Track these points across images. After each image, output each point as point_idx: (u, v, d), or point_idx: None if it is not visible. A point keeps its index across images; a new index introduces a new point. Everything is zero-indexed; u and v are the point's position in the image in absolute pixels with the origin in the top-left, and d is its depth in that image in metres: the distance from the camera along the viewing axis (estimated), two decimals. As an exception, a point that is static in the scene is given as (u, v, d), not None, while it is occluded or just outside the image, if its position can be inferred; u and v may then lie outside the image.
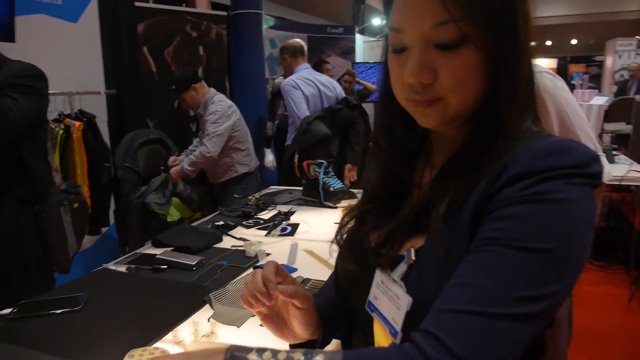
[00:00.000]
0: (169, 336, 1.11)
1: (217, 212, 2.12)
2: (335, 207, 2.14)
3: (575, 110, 1.40)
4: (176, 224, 3.25)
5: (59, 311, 1.18)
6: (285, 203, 2.25)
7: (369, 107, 3.71)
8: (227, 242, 1.75)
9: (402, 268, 0.64)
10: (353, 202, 2.11)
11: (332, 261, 1.51)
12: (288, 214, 2.03)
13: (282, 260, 1.56)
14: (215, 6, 4.57)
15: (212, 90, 3.15)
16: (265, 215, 2.06)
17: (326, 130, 3.02)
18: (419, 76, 0.58)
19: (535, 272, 0.51)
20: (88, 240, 3.15)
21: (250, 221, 1.95)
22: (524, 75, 0.61)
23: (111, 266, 1.53)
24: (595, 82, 10.81)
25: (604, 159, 1.37)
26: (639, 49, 9.60)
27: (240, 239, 1.76)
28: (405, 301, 0.61)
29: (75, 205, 1.97)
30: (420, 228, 0.64)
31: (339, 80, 4.32)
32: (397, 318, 0.63)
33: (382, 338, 0.70)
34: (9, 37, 2.48)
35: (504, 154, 0.57)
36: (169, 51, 3.98)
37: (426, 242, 0.62)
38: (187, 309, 1.22)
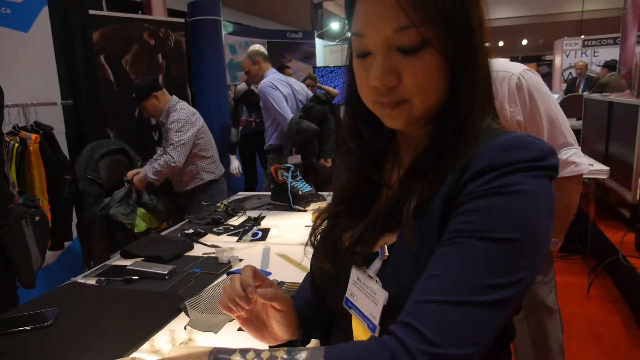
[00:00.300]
0: (145, 346, 1.10)
1: (186, 221, 2.10)
2: (305, 210, 2.16)
3: (557, 106, 1.47)
4: (143, 235, 3.20)
5: (29, 327, 1.15)
6: (255, 208, 2.25)
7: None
8: (198, 250, 1.74)
9: (377, 264, 0.66)
10: (322, 204, 2.14)
11: (305, 264, 1.54)
12: (258, 219, 2.03)
13: (255, 264, 1.56)
14: (172, 13, 4.51)
15: (174, 97, 3.09)
16: (235, 221, 2.06)
17: (315, 126, 3.19)
18: (384, 79, 0.61)
19: (503, 260, 0.54)
20: (51, 255, 3.06)
21: (220, 228, 1.94)
22: (482, 75, 0.64)
23: (80, 279, 1.49)
24: (546, 80, 11.23)
25: (581, 153, 1.44)
26: (584, 48, 10.07)
27: (212, 246, 1.75)
28: (382, 296, 0.63)
29: (37, 218, 1.92)
30: (392, 225, 0.66)
31: (301, 85, 4.37)
32: (375, 312, 0.65)
33: (360, 334, 0.72)
34: (-42, 48, 2.38)
35: (467, 152, 0.60)
36: (127, 59, 3.90)
37: (398, 238, 0.64)
38: (163, 318, 1.21)
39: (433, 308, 0.54)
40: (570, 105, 5.28)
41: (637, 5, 8.15)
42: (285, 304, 0.77)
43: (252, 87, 4.10)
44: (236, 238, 1.84)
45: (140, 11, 4.22)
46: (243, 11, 8.47)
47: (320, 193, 2.26)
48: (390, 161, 0.76)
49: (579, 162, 1.44)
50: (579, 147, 1.47)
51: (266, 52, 3.45)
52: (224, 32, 4.49)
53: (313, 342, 0.90)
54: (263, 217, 2.07)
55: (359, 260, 0.69)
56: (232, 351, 0.60)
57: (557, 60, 10.31)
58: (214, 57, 4.34)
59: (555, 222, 1.52)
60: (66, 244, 3.12)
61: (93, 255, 3.06)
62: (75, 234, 3.21)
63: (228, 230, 1.92)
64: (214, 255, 1.64)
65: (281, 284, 1.40)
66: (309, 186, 2.22)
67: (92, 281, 1.47)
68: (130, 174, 2.94)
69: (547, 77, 11.31)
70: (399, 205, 0.65)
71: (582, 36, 10.20)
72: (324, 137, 3.33)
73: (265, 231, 1.87)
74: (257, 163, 4.36)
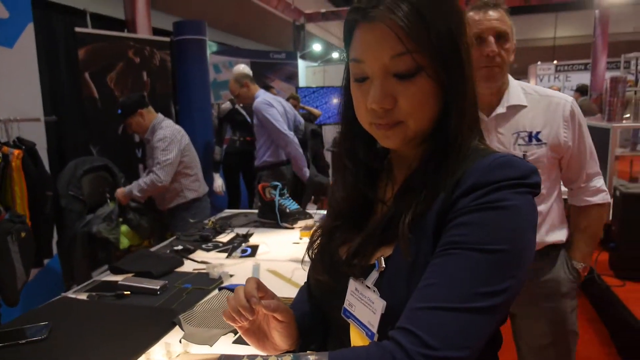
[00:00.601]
0: (141, 359, 1.11)
1: (174, 237, 2.11)
2: (292, 228, 2.19)
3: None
4: (125, 252, 3.18)
5: (23, 341, 1.16)
6: (242, 226, 2.27)
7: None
8: (188, 266, 1.75)
9: (374, 275, 0.70)
10: (309, 222, 2.18)
11: (295, 279, 1.57)
12: (246, 236, 2.06)
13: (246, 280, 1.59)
14: (157, 32, 4.54)
15: (160, 115, 3.09)
16: (223, 238, 2.08)
17: None
18: (381, 102, 0.66)
19: (492, 270, 0.60)
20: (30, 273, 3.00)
21: (209, 244, 1.96)
22: (470, 100, 0.70)
23: (70, 295, 1.49)
24: (521, 103, 11.67)
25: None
26: (557, 73, 10.42)
27: (202, 262, 1.77)
28: (380, 305, 0.68)
29: (23, 234, 1.90)
30: (388, 239, 0.71)
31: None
32: (373, 321, 0.70)
33: (358, 342, 0.76)
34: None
35: (458, 170, 0.66)
36: (112, 77, 3.92)
37: (394, 250, 0.69)
38: (157, 331, 1.22)
39: (430, 314, 0.58)
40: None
41: (606, 33, 8.52)
42: (287, 315, 0.80)
43: (237, 106, 4.14)
44: (225, 254, 1.86)
45: (126, 29, 4.24)
46: (227, 31, 8.55)
47: (307, 211, 2.30)
48: (384, 179, 0.80)
49: (606, 190, 1.55)
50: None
51: (250, 73, 3.51)
52: (208, 52, 4.54)
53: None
54: (251, 234, 2.09)
55: (357, 272, 0.73)
56: (239, 357, 0.63)
57: (532, 83, 10.63)
58: (198, 76, 4.38)
59: (586, 246, 1.57)
60: (46, 261, 3.07)
61: (74, 273, 3.03)
62: (55, 251, 3.16)
63: (217, 247, 1.94)
64: (204, 271, 1.66)
65: (273, 298, 1.42)
66: (296, 204, 2.26)
67: (82, 296, 1.47)
68: (117, 192, 2.93)
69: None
70: (393, 220, 0.70)
71: (555, 61, 10.57)
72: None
73: (254, 248, 1.89)
74: (241, 181, 4.37)
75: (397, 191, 0.74)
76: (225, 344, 1.17)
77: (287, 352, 0.84)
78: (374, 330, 0.69)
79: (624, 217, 3.13)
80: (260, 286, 0.79)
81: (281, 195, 2.24)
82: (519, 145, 1.43)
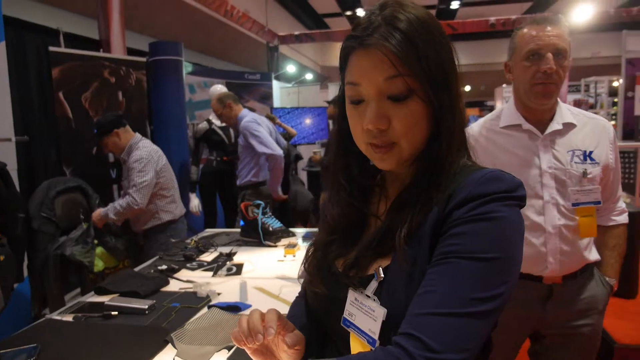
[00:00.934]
0: (135, 379, 1.10)
1: (157, 257, 2.09)
2: (276, 246, 2.21)
3: None
4: (98, 275, 3.10)
5: (12, 364, 1.13)
6: (225, 244, 2.27)
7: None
8: (174, 285, 1.74)
9: (373, 285, 0.74)
10: (292, 240, 2.20)
11: (283, 296, 1.58)
12: (230, 255, 2.06)
13: (234, 298, 1.59)
14: (131, 52, 4.53)
15: (137, 135, 3.04)
16: (207, 257, 2.07)
17: None
18: (377, 123, 0.71)
19: (486, 277, 0.64)
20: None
21: (194, 263, 1.95)
22: (458, 121, 0.76)
23: (55, 316, 1.46)
24: (488, 124, 12.09)
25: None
26: (522, 95, 10.79)
27: (188, 281, 1.76)
28: (381, 312, 0.71)
29: (2, 257, 1.85)
30: (383, 251, 0.75)
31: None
32: (374, 328, 0.73)
33: (359, 350, 0.78)
34: None
35: (450, 185, 0.71)
36: (87, 96, 3.87)
37: (392, 261, 0.73)
38: (150, 350, 1.21)
39: (432, 320, 0.62)
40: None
41: (567, 58, 8.88)
42: (301, 343, 0.82)
43: (213, 126, 4.15)
44: (211, 273, 1.86)
45: (101, 49, 4.21)
46: (201, 52, 8.58)
47: (290, 229, 2.31)
48: (377, 194, 0.85)
49: (627, 210, 1.61)
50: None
51: (233, 94, 3.54)
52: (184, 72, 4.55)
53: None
54: (235, 253, 2.09)
55: (355, 283, 0.77)
56: None
57: (498, 105, 10.99)
58: (174, 97, 4.37)
59: (616, 262, 1.61)
60: (15, 285, 2.97)
61: (47, 297, 2.94)
62: (25, 274, 3.06)
63: (202, 266, 1.93)
64: (191, 289, 1.66)
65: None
66: (279, 222, 2.27)
67: (68, 318, 1.45)
68: (93, 215, 2.87)
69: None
70: (388, 233, 0.74)
71: (520, 84, 10.95)
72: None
73: (239, 266, 1.90)
74: (218, 202, 4.35)
75: (390, 206, 0.79)
76: (220, 361, 1.18)
77: None
78: (376, 337, 0.72)
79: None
80: (280, 318, 0.78)
81: (264, 213, 2.26)
82: (575, 163, 1.43)
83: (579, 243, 1.43)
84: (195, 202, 4.12)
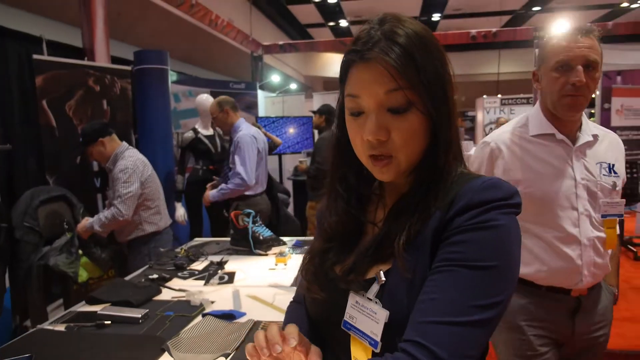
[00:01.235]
0: (133, 387, 1.10)
1: (147, 267, 2.08)
2: (267, 255, 2.21)
3: None
4: (82, 286, 3.06)
5: (6, 375, 1.11)
6: (215, 253, 2.26)
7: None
8: (166, 294, 1.73)
9: (375, 288, 0.76)
10: (282, 249, 2.20)
11: (277, 304, 1.59)
12: (221, 264, 2.05)
13: (228, 306, 1.60)
14: (115, 61, 4.50)
15: (124, 144, 2.97)
16: (198, 266, 2.07)
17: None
18: (377, 134, 0.73)
19: (488, 285, 0.67)
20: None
21: (185, 272, 1.94)
22: (454, 131, 0.79)
23: (47, 326, 1.45)
24: (470, 134, 12.23)
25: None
26: (502, 106, 11.01)
27: (180, 290, 1.76)
28: (383, 315, 0.73)
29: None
30: (382, 256, 0.78)
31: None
32: (376, 330, 0.75)
33: (360, 352, 0.80)
34: None
35: (450, 192, 0.74)
36: (71, 105, 3.83)
37: (393, 265, 0.75)
38: (147, 358, 1.21)
39: (437, 328, 0.65)
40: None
41: (545, 70, 9.10)
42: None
43: (199, 135, 4.14)
44: (202, 282, 1.85)
45: (85, 57, 4.18)
46: (185, 61, 8.55)
47: (280, 238, 2.32)
48: (375, 202, 0.87)
49: None
50: None
51: (233, 100, 3.54)
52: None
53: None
54: (226, 262, 2.09)
55: (355, 287, 0.79)
56: None
57: (479, 116, 11.18)
58: (160, 105, 4.35)
59: (616, 272, 1.60)
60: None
61: (29, 308, 2.88)
62: (7, 285, 3.00)
63: (193, 275, 1.93)
64: (184, 298, 1.65)
65: (258, 323, 1.44)
66: (269, 231, 2.28)
67: (60, 327, 1.43)
68: (78, 227, 2.83)
69: (471, 131, 12.21)
70: (386, 239, 0.77)
71: (499, 95, 11.18)
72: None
73: (231, 275, 1.90)
74: (203, 211, 4.33)
75: (388, 213, 0.81)
76: (218, 369, 1.18)
77: None
78: (378, 339, 0.74)
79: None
80: (299, 332, 0.75)
81: (254, 222, 2.26)
82: (603, 175, 1.41)
83: (605, 255, 1.43)
84: (181, 211, 4.09)
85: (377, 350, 0.73)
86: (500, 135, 1.48)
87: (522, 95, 10.76)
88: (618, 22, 9.28)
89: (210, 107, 3.54)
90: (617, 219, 1.42)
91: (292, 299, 1.02)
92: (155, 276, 1.87)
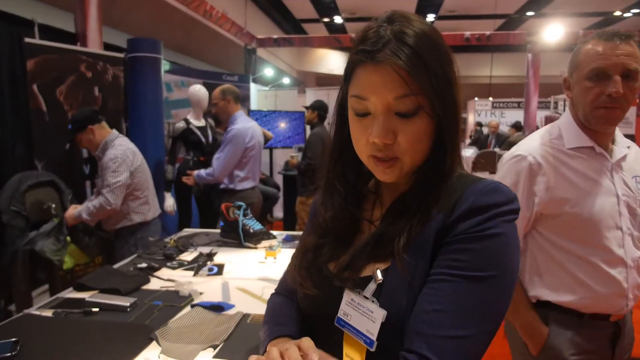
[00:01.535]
0: (121, 375, 1.10)
1: (136, 255, 2.07)
2: (256, 248, 2.21)
3: None
4: (68, 273, 3.04)
5: (-8, 359, 1.11)
6: (205, 245, 2.26)
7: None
8: (154, 284, 1.73)
9: (372, 287, 0.76)
10: (272, 242, 2.21)
11: (266, 297, 1.59)
12: (210, 255, 2.05)
13: (217, 297, 1.60)
14: (107, 47, 4.46)
15: (114, 132, 2.93)
16: (187, 256, 2.06)
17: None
18: (384, 138, 0.73)
19: (492, 295, 0.69)
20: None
21: (174, 263, 1.94)
22: (459, 132, 0.79)
23: (34, 311, 1.44)
24: (462, 136, 12.37)
25: None
26: (493, 109, 11.11)
27: (169, 280, 1.75)
28: (380, 314, 0.74)
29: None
30: (378, 255, 0.78)
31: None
32: (372, 329, 0.75)
33: (353, 350, 0.80)
34: None
35: (452, 193, 0.75)
36: (62, 90, 3.79)
37: (391, 265, 0.75)
38: (135, 347, 1.21)
39: (445, 343, 0.67)
40: (484, 160, 5.79)
41: (537, 75, 9.21)
42: None
43: (191, 126, 4.12)
44: (191, 273, 1.85)
45: (78, 43, 4.13)
46: (178, 51, 8.48)
47: (270, 232, 2.32)
48: (371, 201, 0.88)
49: None
50: None
51: (238, 92, 3.58)
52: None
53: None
54: (215, 253, 2.09)
55: (350, 284, 0.79)
56: None
57: (470, 118, 11.26)
58: (152, 94, 4.32)
59: None
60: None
61: (13, 292, 2.86)
62: (-7, 270, 2.97)
63: (182, 265, 1.92)
64: (172, 288, 1.65)
65: (247, 315, 1.45)
66: (260, 224, 2.28)
67: (48, 313, 1.42)
68: (66, 215, 2.81)
69: (462, 133, 12.27)
70: (383, 239, 0.77)
71: (491, 98, 11.27)
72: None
73: (220, 266, 1.90)
74: (193, 202, 4.31)
75: (385, 212, 0.81)
76: (207, 358, 1.18)
77: None
78: (374, 338, 0.74)
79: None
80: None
81: (245, 215, 2.26)
82: (639, 190, 1.32)
83: None
84: (170, 201, 4.07)
85: (373, 349, 0.74)
86: (536, 148, 1.32)
87: (513, 99, 10.87)
88: (610, 31, 9.36)
89: (214, 94, 3.58)
90: None
91: (274, 291, 1.02)
92: (144, 265, 1.86)
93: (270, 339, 0.86)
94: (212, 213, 3.94)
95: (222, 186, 3.53)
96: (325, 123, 4.36)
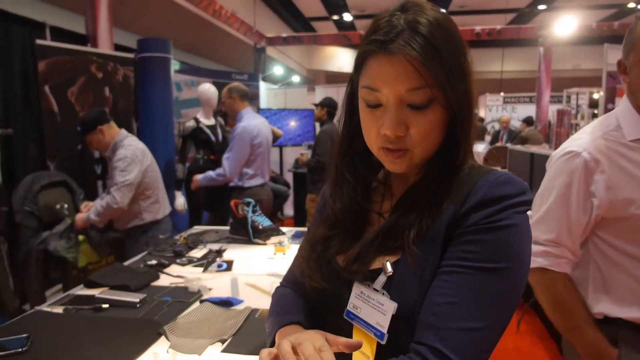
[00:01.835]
0: (130, 369, 1.10)
1: (146, 253, 2.08)
2: (265, 244, 2.21)
3: None
4: (81, 271, 3.07)
5: (3, 354, 1.12)
6: (214, 242, 2.27)
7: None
8: (164, 280, 1.74)
9: (382, 279, 0.75)
10: (282, 238, 2.21)
11: (275, 292, 1.58)
12: (220, 252, 2.06)
13: (225, 293, 1.60)
14: (118, 48, 4.50)
15: (123, 131, 2.95)
16: (197, 253, 2.07)
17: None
18: (395, 130, 0.71)
19: (505, 288, 0.68)
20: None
21: (183, 259, 1.95)
22: (473, 124, 0.77)
23: (45, 308, 1.45)
24: (471, 132, 12.28)
25: None
26: (504, 104, 11.01)
27: (178, 276, 1.76)
28: (391, 307, 0.73)
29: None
30: (388, 247, 0.77)
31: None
32: (383, 322, 0.74)
33: (363, 342, 0.79)
34: None
35: (464, 185, 0.73)
36: (73, 91, 3.82)
37: (401, 257, 0.74)
38: (144, 342, 1.21)
39: (457, 335, 0.66)
40: (495, 155, 5.74)
41: (549, 70, 9.11)
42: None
43: (201, 125, 4.14)
44: (201, 269, 1.86)
45: (89, 44, 4.17)
46: (188, 51, 8.53)
47: (279, 228, 2.32)
48: (381, 193, 0.86)
49: None
50: None
51: (245, 89, 3.61)
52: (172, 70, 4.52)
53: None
54: (224, 250, 2.09)
55: (360, 277, 0.78)
56: None
57: (482, 113, 11.17)
58: (162, 94, 4.35)
59: None
60: None
61: (27, 291, 2.90)
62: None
63: (192, 262, 1.93)
64: (182, 284, 1.66)
65: (255, 310, 1.45)
66: (268, 220, 2.28)
67: (59, 310, 1.44)
68: (83, 205, 2.84)
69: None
70: (394, 230, 0.76)
71: (502, 93, 11.17)
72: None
73: (230, 263, 1.90)
74: (203, 200, 4.33)
75: (395, 204, 0.80)
76: (214, 354, 1.18)
77: None
78: (384, 330, 0.73)
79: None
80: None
81: (254, 211, 2.26)
82: None
83: None
84: (181, 200, 4.09)
85: (383, 342, 0.73)
86: (591, 143, 1.16)
87: (525, 94, 10.75)
88: (624, 23, 9.26)
89: (222, 92, 3.64)
90: None
91: (280, 283, 1.01)
92: (153, 262, 1.87)
93: (278, 328, 0.85)
94: (222, 211, 3.94)
95: (231, 184, 3.54)
96: (335, 120, 4.36)
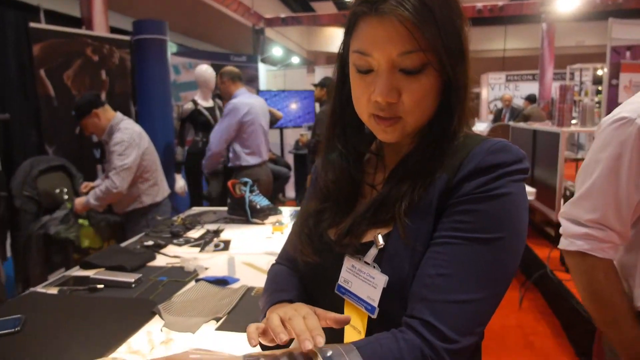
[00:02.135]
0: (122, 348, 1.10)
1: (143, 234, 2.07)
2: (263, 224, 2.20)
3: None
4: (84, 254, 3.07)
5: (-5, 334, 1.11)
6: (212, 222, 2.25)
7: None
8: (160, 261, 1.73)
9: (373, 252, 0.73)
10: (280, 217, 2.19)
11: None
12: (217, 232, 2.05)
13: (222, 272, 1.59)
14: (113, 31, 4.44)
15: (118, 114, 2.91)
16: (194, 234, 2.06)
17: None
18: (387, 96, 0.68)
19: (498, 258, 0.65)
20: (-20, 276, 2.85)
21: (181, 240, 1.94)
22: (468, 90, 0.73)
23: (40, 289, 1.44)
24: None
25: None
26: (507, 82, 10.89)
27: (175, 256, 1.75)
28: (382, 280, 0.70)
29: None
30: (380, 220, 0.74)
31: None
32: (373, 295, 0.72)
33: (354, 317, 0.77)
34: None
35: (457, 153, 0.70)
36: (69, 74, 3.79)
37: (393, 229, 0.72)
38: (137, 321, 1.20)
39: (449, 308, 0.63)
40: (498, 133, 5.69)
41: (552, 46, 8.98)
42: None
43: (199, 107, 4.11)
44: (198, 249, 1.84)
45: (84, 27, 4.12)
46: (185, 34, 8.45)
47: (276, 207, 2.31)
48: (373, 164, 0.83)
49: None
50: None
51: (235, 72, 3.58)
52: (169, 52, 4.47)
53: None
54: (222, 230, 2.08)
55: (351, 250, 0.75)
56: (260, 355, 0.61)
57: (484, 92, 11.06)
58: (159, 76, 4.30)
59: None
60: (-1, 264, 2.93)
61: (29, 276, 2.90)
62: (9, 254, 3.02)
63: (189, 242, 1.92)
64: (178, 264, 1.65)
65: (251, 289, 1.44)
66: (266, 200, 2.26)
67: (53, 291, 1.43)
68: (83, 185, 2.83)
69: (475, 108, 12.11)
70: (386, 202, 0.73)
71: (505, 72, 11.04)
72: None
73: (227, 242, 1.89)
74: (203, 182, 4.32)
75: (388, 175, 0.77)
76: (208, 332, 1.17)
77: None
78: (375, 304, 0.71)
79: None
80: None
81: (251, 191, 2.24)
82: None
83: None
84: (180, 183, 4.08)
85: (374, 316, 0.71)
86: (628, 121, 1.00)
87: (527, 72, 10.63)
88: (628, -3, 9.07)
89: (218, 77, 3.65)
90: None
91: (275, 261, 0.99)
92: (150, 243, 1.86)
93: (270, 305, 0.84)
94: (222, 193, 3.93)
95: (229, 164, 3.52)
96: (332, 80, 4.32)
